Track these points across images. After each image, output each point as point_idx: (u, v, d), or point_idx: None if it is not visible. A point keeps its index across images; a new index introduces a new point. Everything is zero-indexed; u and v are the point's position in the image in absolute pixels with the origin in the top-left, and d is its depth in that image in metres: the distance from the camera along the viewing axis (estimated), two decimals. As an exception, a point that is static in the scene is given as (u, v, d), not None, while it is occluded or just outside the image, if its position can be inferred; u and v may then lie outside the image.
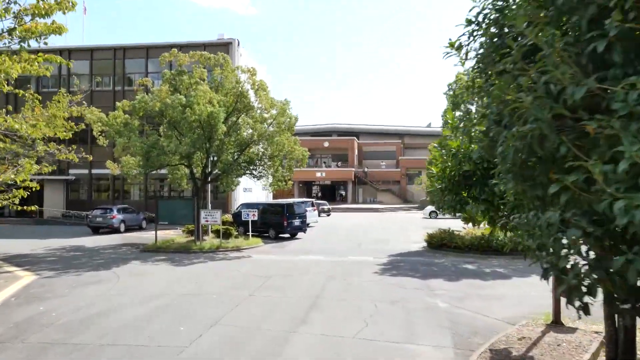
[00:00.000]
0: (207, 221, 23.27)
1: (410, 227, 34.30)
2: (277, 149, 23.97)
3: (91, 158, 16.94)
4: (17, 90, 8.94)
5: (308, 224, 29.23)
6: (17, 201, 14.63)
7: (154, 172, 25.92)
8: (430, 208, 44.61)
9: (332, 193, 65.70)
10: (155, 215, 23.89)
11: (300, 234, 27.94)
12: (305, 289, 13.73)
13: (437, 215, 43.04)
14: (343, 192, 65.13)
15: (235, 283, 14.68)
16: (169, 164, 24.60)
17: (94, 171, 40.79)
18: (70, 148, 16.05)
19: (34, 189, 9.87)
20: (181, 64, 24.26)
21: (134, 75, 40.95)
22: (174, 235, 27.64)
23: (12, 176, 8.34)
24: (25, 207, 9.24)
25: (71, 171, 40.68)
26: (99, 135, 23.12)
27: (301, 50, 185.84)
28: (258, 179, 25.86)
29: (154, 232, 24.50)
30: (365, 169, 64.54)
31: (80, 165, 38.48)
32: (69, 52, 40.60)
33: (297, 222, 27.07)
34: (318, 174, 61.06)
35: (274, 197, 48.30)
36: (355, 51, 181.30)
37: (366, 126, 76.18)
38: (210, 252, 21.98)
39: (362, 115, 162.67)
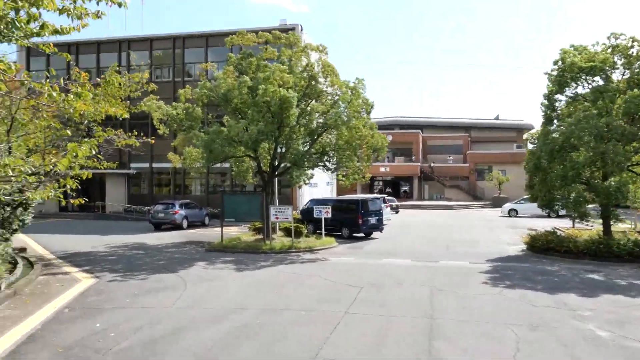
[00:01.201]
0: (277, 218, 21.06)
1: (495, 226, 30.98)
2: (352, 137, 21.35)
3: (153, 141, 14.90)
4: (55, 49, 6.72)
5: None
6: (75, 190, 12.77)
7: (218, 165, 24.06)
8: (509, 206, 40.97)
9: (395, 189, 62.57)
10: (220, 211, 21.86)
11: (375, 234, 25.31)
12: (410, 304, 11.15)
13: (517, 213, 39.34)
14: (407, 188, 61.92)
15: (322, 294, 12.26)
16: (233, 156, 22.56)
17: (154, 165, 39.66)
18: (130, 133, 14.14)
19: (84, 177, 7.62)
20: (247, 44, 22.16)
21: (193, 65, 39.46)
22: (239, 232, 25.68)
23: (53, 160, 6.24)
24: (73, 201, 7.13)
25: (132, 165, 39.69)
26: (159, 124, 21.36)
27: (355, 46, 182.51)
28: (332, 172, 23.40)
29: (217, 228, 22.64)
30: (432, 164, 61.03)
31: (141, 159, 37.46)
32: (128, 43, 39.59)
33: (373, 220, 24.47)
34: (382, 169, 58.00)
35: (338, 193, 45.88)
36: (412, 45, 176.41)
37: (430, 119, 72.42)
38: (282, 252, 19.76)
39: (425, 108, 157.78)
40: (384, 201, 33.41)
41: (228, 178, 38.50)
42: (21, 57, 37.95)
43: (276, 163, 22.72)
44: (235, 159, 23.25)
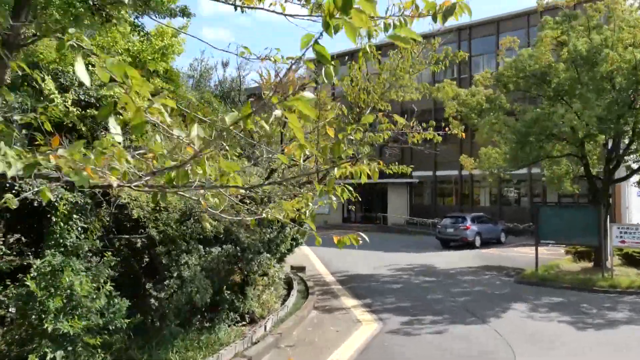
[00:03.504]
0: (623, 242, 14.50)
1: None
2: None
3: (464, 135, 10.53)
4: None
5: None
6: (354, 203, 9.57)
7: (518, 171, 18.69)
8: None
9: None
10: (534, 228, 16.45)
11: None
12: None
13: None
14: None
15: None
16: (548, 156, 16.89)
17: (438, 173, 35.93)
18: (425, 125, 10.20)
19: (362, 181, 3.60)
20: (567, 4, 16.33)
21: (481, 58, 34.53)
22: (551, 256, 19.60)
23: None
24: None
25: (414, 173, 36.62)
26: (452, 119, 17.08)
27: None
28: None
29: (516, 248, 17.58)
30: None
31: (423, 166, 34.09)
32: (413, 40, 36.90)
33: None
34: None
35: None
36: None
37: None
38: (633, 293, 13.29)
39: None
40: None
41: (523, 186, 32.32)
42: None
43: (612, 164, 16.19)
44: (548, 160, 17.56)
